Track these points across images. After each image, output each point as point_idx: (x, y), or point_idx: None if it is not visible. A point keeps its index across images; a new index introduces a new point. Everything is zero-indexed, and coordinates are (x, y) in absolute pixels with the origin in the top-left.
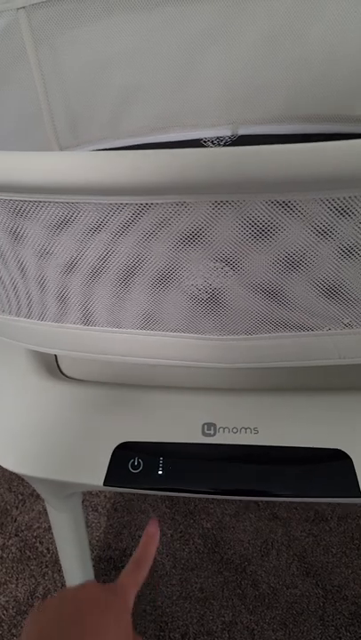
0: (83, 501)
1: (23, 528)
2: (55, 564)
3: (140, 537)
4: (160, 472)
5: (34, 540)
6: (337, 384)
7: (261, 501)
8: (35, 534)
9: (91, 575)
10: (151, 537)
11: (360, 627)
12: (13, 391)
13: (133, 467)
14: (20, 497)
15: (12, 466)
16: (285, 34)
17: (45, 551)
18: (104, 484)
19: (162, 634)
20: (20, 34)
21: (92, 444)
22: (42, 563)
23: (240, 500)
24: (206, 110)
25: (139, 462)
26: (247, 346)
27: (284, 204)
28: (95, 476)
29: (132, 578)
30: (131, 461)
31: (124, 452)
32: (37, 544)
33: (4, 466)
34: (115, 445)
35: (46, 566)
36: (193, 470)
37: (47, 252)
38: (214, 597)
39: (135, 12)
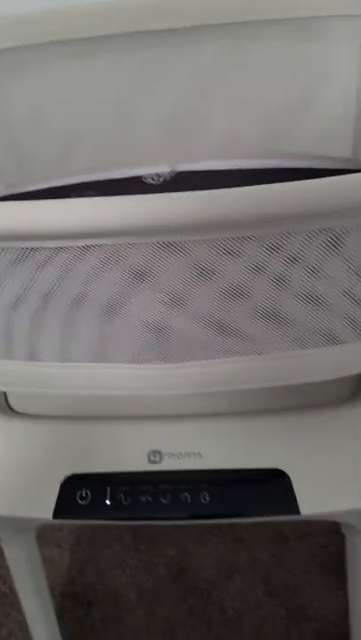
0: (45, 537)
1: None
2: (19, 604)
3: (104, 571)
4: (108, 502)
5: None
6: (274, 405)
7: (224, 525)
8: None
9: (51, 612)
10: None
11: None
12: None
13: (82, 498)
14: None
15: None
16: (216, 79)
17: (8, 591)
18: (53, 517)
19: None
20: None
21: (41, 478)
22: (5, 604)
23: (203, 525)
24: (145, 150)
25: (86, 493)
26: (191, 373)
27: (224, 246)
28: (44, 509)
29: None
30: (78, 493)
31: (72, 485)
32: (0, 584)
33: None
34: (62, 478)
35: (10, 607)
36: (140, 498)
37: None
38: (180, 627)
39: (70, 63)
